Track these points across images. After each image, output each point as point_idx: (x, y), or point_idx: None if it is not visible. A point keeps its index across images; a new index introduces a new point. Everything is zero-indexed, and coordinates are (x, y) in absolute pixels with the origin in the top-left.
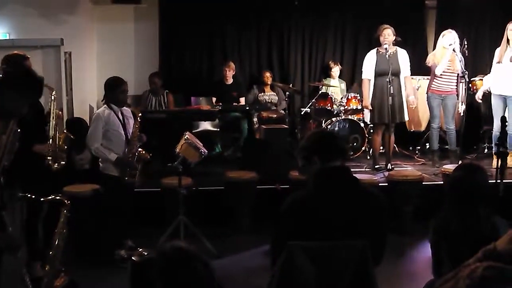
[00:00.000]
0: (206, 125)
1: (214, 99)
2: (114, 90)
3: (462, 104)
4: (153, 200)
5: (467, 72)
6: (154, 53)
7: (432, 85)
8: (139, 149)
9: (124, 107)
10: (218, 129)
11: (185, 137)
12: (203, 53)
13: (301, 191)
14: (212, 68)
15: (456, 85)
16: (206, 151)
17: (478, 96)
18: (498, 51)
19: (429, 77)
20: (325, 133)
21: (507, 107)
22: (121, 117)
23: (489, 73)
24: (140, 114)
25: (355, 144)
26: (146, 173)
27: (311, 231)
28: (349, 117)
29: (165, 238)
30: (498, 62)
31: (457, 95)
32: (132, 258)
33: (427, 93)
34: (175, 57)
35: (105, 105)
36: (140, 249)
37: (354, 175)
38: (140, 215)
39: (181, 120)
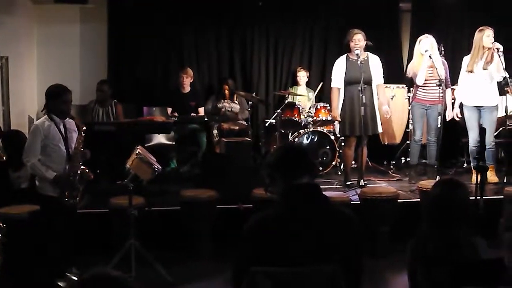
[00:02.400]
0: (160, 138)
1: (169, 110)
2: (55, 99)
3: (439, 115)
4: (100, 222)
5: (443, 80)
6: (102, 59)
7: (417, 94)
8: (82, 167)
9: (67, 119)
10: (174, 143)
11: (137, 152)
12: (157, 59)
13: (265, 211)
14: (167, 75)
15: (442, 94)
16: (160, 167)
17: (457, 113)
18: (467, 60)
19: (404, 85)
20: (290, 147)
21: (481, 119)
22: (63, 130)
23: (457, 84)
24: (84, 127)
25: (324, 158)
26: (92, 192)
27: (277, 255)
28: (318, 129)
29: (114, 265)
30: (470, 71)
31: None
32: (59, 284)
33: (411, 102)
34: (125, 63)
35: (46, 116)
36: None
37: (324, 193)
38: (85, 240)
39: (131, 133)
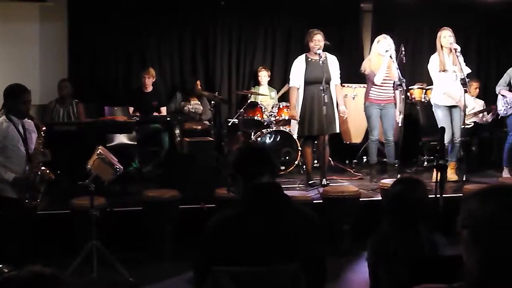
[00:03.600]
0: (121, 138)
1: (131, 109)
2: (14, 99)
3: (400, 114)
4: (61, 223)
5: (404, 80)
6: (62, 58)
7: (370, 94)
8: (43, 168)
9: (26, 119)
10: (136, 143)
11: (98, 152)
12: (119, 58)
13: (226, 210)
14: (129, 75)
15: (394, 94)
16: (122, 168)
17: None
18: (436, 60)
19: (365, 85)
20: (251, 147)
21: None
22: (22, 131)
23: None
24: (44, 127)
25: (287, 158)
26: (52, 193)
27: (238, 255)
28: (281, 128)
29: (75, 266)
30: (442, 71)
31: (395, 104)
32: None
33: (364, 103)
34: (86, 62)
35: (4, 117)
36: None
37: (286, 192)
38: (46, 242)
39: (93, 133)
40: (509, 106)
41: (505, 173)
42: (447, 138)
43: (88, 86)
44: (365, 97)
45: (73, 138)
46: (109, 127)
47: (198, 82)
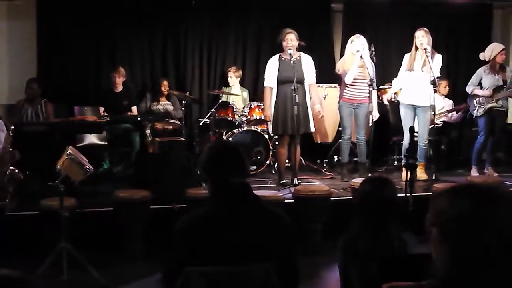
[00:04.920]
0: (92, 138)
1: (101, 109)
2: None
3: (371, 114)
4: (30, 225)
5: (375, 80)
6: (31, 57)
7: (344, 94)
8: (11, 168)
9: None
10: (106, 143)
11: (67, 152)
12: (89, 57)
13: (195, 210)
14: (98, 74)
15: (369, 93)
16: (92, 168)
17: (387, 98)
18: (407, 58)
19: (336, 85)
20: (221, 146)
21: (416, 117)
22: None
23: (396, 77)
24: (12, 127)
25: (258, 157)
26: (21, 194)
27: (207, 255)
28: (252, 128)
29: (45, 267)
30: (409, 70)
31: (370, 104)
32: None
33: (338, 102)
34: (55, 61)
35: None
36: None
37: (257, 192)
38: (15, 243)
39: (62, 132)
40: (481, 106)
41: (474, 172)
42: (406, 138)
43: (57, 85)
44: (339, 97)
45: (42, 138)
46: (78, 127)
47: (165, 83)
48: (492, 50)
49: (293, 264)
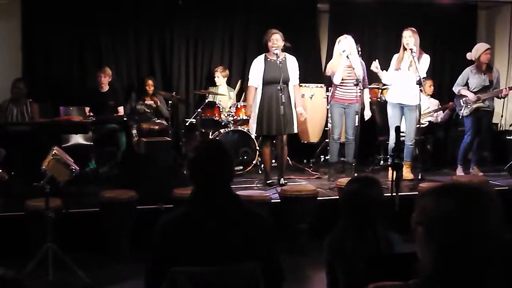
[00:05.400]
0: (77, 139)
1: (87, 109)
2: None
3: (357, 114)
4: (15, 225)
5: (361, 80)
6: (16, 57)
7: (335, 94)
8: None
9: None
10: (92, 143)
11: (53, 153)
12: (74, 57)
13: (174, 211)
14: (84, 74)
15: (359, 93)
16: (78, 168)
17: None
18: (395, 58)
19: (323, 85)
20: (204, 147)
21: (403, 116)
22: None
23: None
24: None
25: (245, 157)
26: (6, 194)
27: (187, 255)
28: (239, 128)
29: (30, 269)
30: (396, 69)
31: (361, 103)
32: None
33: (330, 102)
34: (41, 61)
35: None
36: None
37: (243, 192)
38: (1, 244)
39: (48, 133)
40: (467, 106)
41: (459, 171)
42: (393, 137)
43: (42, 85)
44: (331, 97)
45: (28, 138)
46: (64, 127)
47: (150, 82)
48: (477, 50)
49: (276, 264)
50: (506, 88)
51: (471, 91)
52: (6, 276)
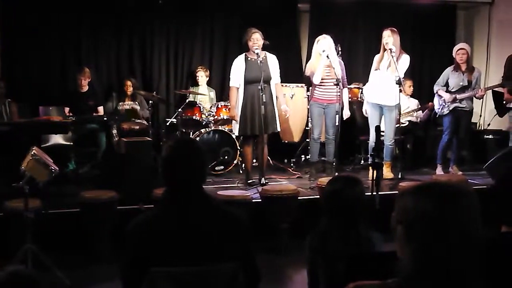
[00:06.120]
0: (57, 139)
1: (66, 109)
2: None
3: (337, 113)
4: None
5: (341, 80)
6: None
7: (314, 94)
8: None
9: None
10: (72, 143)
11: (32, 153)
12: (54, 57)
13: (146, 212)
14: (64, 74)
15: (339, 93)
16: (58, 169)
17: (366, 110)
18: (376, 58)
19: (303, 84)
20: (176, 144)
21: (382, 116)
22: None
23: (366, 82)
24: None
25: (226, 157)
26: None
27: (161, 256)
28: (220, 128)
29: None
30: (376, 70)
31: (340, 103)
32: None
33: (309, 102)
34: (20, 61)
35: None
36: None
37: (224, 192)
38: None
39: (27, 133)
40: (445, 106)
41: (439, 170)
42: (372, 137)
43: (21, 85)
44: (310, 97)
45: (6, 139)
46: (44, 127)
47: (128, 83)
48: (454, 49)
49: (252, 264)
50: (481, 89)
51: (450, 91)
52: (21, 273)
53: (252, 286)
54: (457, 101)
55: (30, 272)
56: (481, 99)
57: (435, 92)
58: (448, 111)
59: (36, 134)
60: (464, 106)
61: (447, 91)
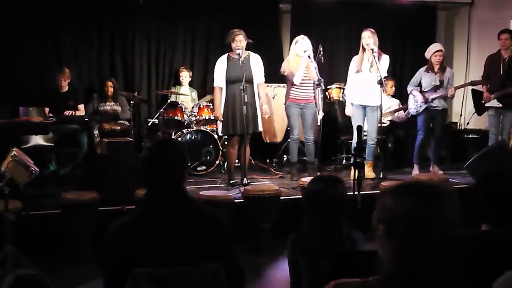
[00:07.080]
0: (37, 140)
1: (47, 110)
2: None
3: (319, 113)
4: None
5: (322, 80)
6: None
7: (290, 94)
8: None
9: None
10: (53, 144)
11: (12, 154)
12: (33, 57)
13: (127, 213)
14: (44, 75)
15: (314, 93)
16: (38, 170)
17: (348, 111)
18: (354, 61)
19: (285, 85)
20: (155, 145)
21: (365, 117)
22: None
23: (345, 84)
24: None
25: (208, 157)
26: None
27: (144, 258)
28: (202, 128)
29: None
30: (357, 72)
31: (316, 103)
32: None
33: (285, 102)
34: None
35: None
36: None
37: (206, 192)
38: None
39: (7, 133)
40: (419, 105)
41: (415, 170)
42: (355, 135)
43: (1, 85)
44: (286, 97)
45: None
46: (24, 128)
47: (109, 84)
48: (429, 50)
49: (235, 264)
50: (452, 88)
51: (422, 91)
52: (30, 276)
53: (237, 287)
54: (430, 100)
55: (41, 275)
56: (461, 99)
57: (408, 92)
58: (421, 110)
59: (16, 135)
60: (436, 105)
61: (420, 91)
